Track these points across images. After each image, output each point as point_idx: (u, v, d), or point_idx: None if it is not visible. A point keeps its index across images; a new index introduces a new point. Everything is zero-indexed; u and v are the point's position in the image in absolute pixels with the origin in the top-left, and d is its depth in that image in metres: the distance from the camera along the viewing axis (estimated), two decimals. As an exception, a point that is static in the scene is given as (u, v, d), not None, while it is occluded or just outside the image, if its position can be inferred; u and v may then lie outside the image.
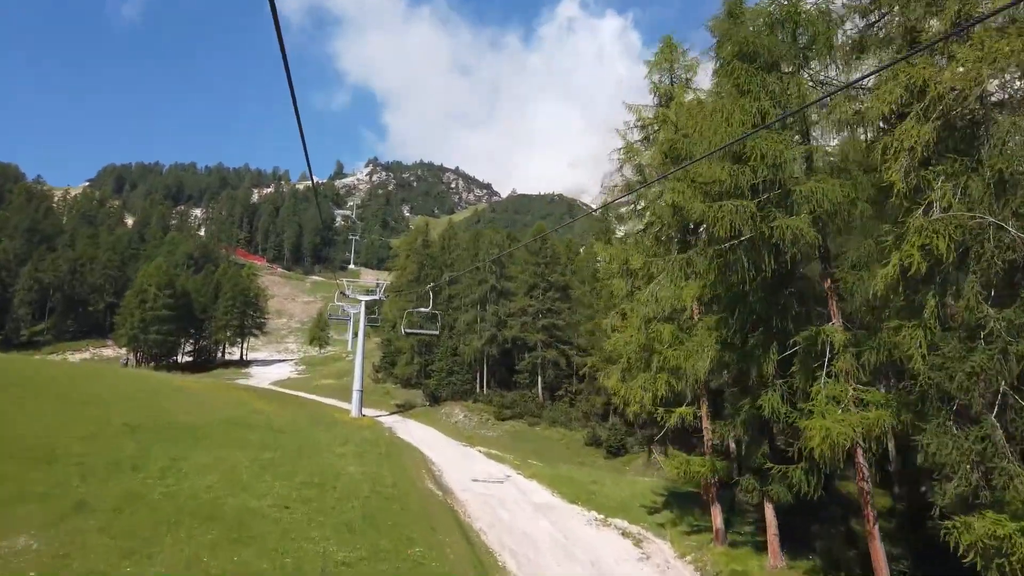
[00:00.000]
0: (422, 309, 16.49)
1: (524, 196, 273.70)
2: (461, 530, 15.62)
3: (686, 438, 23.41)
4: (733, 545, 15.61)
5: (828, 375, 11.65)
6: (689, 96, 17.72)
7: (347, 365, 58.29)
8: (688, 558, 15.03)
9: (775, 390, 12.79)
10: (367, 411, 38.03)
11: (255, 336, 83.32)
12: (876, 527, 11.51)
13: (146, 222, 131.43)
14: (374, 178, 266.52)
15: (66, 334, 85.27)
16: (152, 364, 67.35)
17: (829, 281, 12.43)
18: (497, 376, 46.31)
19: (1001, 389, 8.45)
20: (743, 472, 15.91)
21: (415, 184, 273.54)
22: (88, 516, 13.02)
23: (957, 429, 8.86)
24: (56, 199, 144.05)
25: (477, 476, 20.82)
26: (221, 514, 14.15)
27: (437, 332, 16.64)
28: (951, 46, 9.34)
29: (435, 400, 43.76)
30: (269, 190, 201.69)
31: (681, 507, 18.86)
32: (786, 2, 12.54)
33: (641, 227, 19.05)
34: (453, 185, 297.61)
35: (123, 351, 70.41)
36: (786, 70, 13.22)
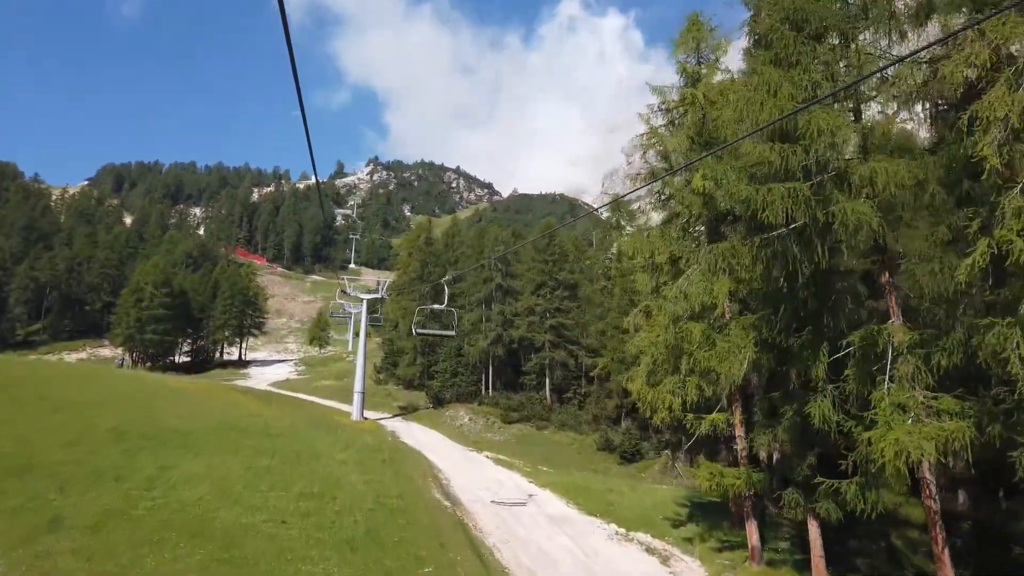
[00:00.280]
0: (435, 306, 14.86)
1: (525, 196, 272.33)
2: (473, 547, 14.32)
3: (709, 445, 22.10)
4: (771, 564, 14.30)
5: (891, 379, 10.34)
6: (718, 77, 16.42)
7: (348, 366, 56.99)
8: (722, 579, 13.75)
9: (825, 396, 11.49)
10: (369, 413, 36.74)
11: (254, 336, 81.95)
12: (946, 552, 10.20)
13: (145, 221, 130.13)
14: (375, 177, 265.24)
15: (63, 334, 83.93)
16: (149, 364, 66.01)
17: (887, 274, 11.13)
18: (503, 378, 44.97)
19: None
20: (781, 485, 14.60)
21: (416, 184, 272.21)
22: (63, 535, 11.74)
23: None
24: (54, 198, 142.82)
25: (497, 496, 19.06)
26: (211, 530, 12.87)
27: (453, 333, 15.02)
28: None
29: (439, 402, 42.44)
30: (269, 189, 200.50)
31: (707, 520, 17.55)
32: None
33: (659, 217, 17.82)
34: (454, 185, 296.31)
35: (120, 351, 69.10)
36: (833, 41, 11.94)
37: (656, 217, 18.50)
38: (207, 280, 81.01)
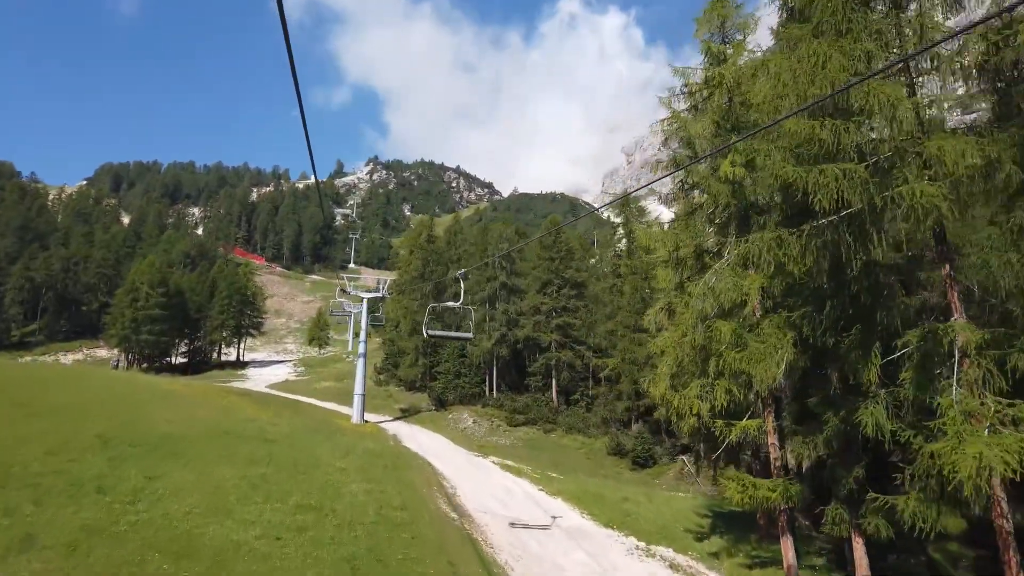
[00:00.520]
0: (449, 304, 13.27)
1: (526, 195, 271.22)
2: (484, 565, 13.19)
3: (728, 450, 20.94)
4: (808, 584, 13.18)
5: (958, 384, 9.21)
6: (744, 58, 15.30)
7: (348, 366, 55.84)
8: (755, 600, 12.63)
9: (878, 402, 10.36)
10: (369, 416, 35.61)
11: (252, 336, 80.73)
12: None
13: (142, 220, 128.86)
14: (374, 177, 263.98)
15: (59, 334, 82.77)
16: (145, 366, 64.80)
17: (948, 267, 9.99)
18: (507, 379, 43.76)
19: None
20: (814, 497, 13.48)
21: (416, 183, 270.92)
22: (34, 555, 10.56)
23: None
24: (51, 197, 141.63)
25: (515, 515, 17.29)
26: (198, 549, 11.70)
27: (471, 335, 13.16)
28: None
29: (441, 404, 41.27)
30: (268, 189, 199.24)
31: (732, 532, 16.42)
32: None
33: (667, 213, 16.72)
34: (454, 184, 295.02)
35: (114, 352, 67.88)
36: (883, 7, 10.82)
37: (665, 213, 17.40)
38: (204, 279, 79.78)
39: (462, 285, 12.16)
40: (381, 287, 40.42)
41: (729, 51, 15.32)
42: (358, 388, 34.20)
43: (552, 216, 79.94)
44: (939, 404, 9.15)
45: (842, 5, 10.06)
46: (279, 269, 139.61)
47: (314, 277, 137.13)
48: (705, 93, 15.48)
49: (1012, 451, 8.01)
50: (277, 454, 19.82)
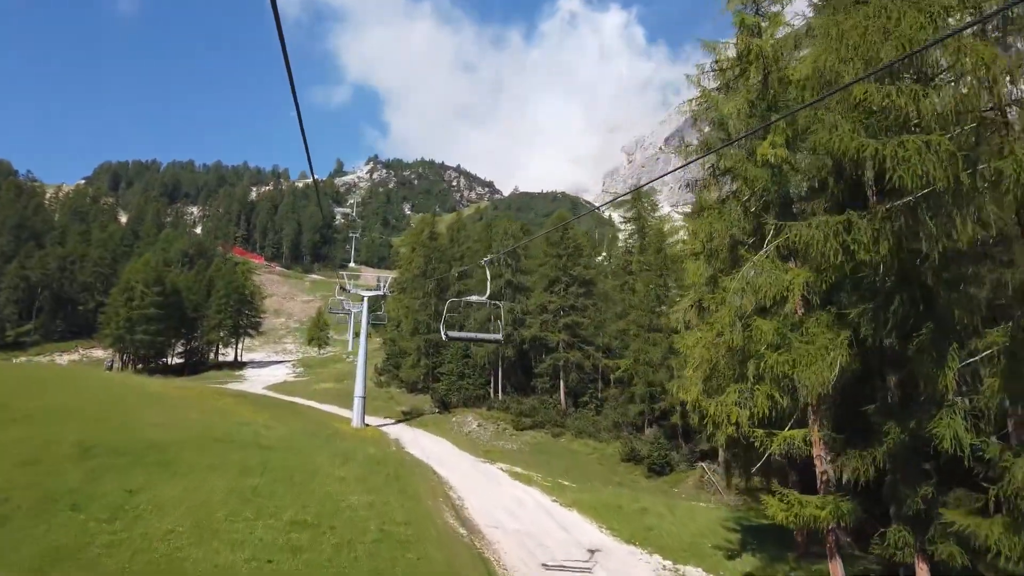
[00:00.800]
0: (472, 298, 10.62)
1: (526, 194, 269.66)
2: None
3: (751, 456, 19.57)
4: (860, 612, 11.84)
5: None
6: (782, 32, 13.96)
7: (347, 367, 54.49)
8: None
9: (956, 412, 9.01)
10: (370, 419, 34.31)
11: (251, 336, 79.40)
12: None
13: (140, 219, 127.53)
14: (375, 176, 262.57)
15: (54, 334, 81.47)
16: (140, 366, 63.48)
17: (1039, 256, 8.65)
18: (513, 380, 42.38)
19: None
20: (866, 515, 12.13)
21: (416, 182, 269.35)
22: (-8, 584, 9.33)
23: None
24: (48, 196, 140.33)
25: (553, 558, 13.88)
26: (179, 576, 10.44)
27: (500, 337, 11.07)
28: None
29: (445, 406, 39.93)
30: (268, 188, 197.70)
31: (766, 549, 15.09)
32: None
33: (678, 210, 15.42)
34: (455, 183, 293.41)
35: (110, 352, 66.50)
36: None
37: (673, 212, 16.08)
38: (201, 278, 78.41)
39: (488, 274, 10.56)
40: (382, 285, 39.13)
41: (764, 24, 13.98)
42: (358, 390, 32.94)
43: (559, 211, 78.36)
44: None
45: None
46: (278, 268, 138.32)
47: (314, 276, 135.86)
48: (738, 70, 14.13)
49: None
50: (272, 462, 18.51)
